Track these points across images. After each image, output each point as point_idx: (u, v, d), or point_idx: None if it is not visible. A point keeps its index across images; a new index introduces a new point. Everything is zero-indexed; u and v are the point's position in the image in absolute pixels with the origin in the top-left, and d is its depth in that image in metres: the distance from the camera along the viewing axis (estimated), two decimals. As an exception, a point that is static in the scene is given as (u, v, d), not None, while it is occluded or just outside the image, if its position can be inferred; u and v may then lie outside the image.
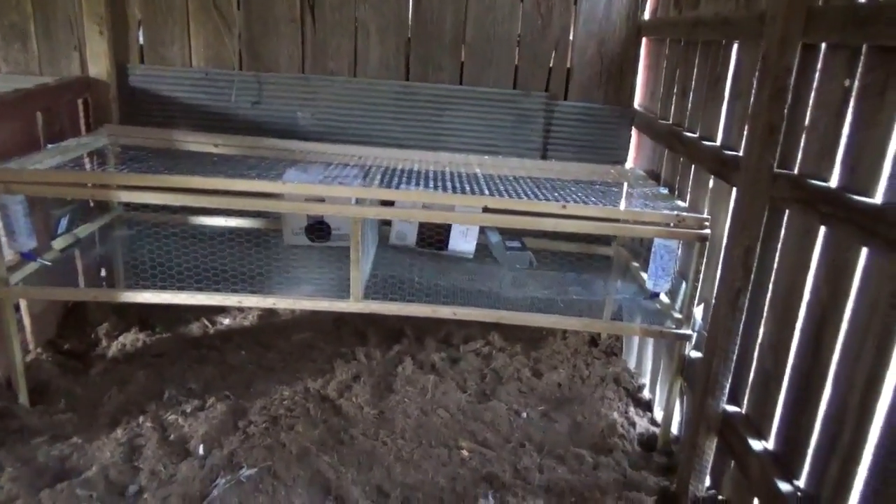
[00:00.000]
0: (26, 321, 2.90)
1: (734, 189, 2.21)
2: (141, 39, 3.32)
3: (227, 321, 3.39)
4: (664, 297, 2.58)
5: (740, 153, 2.19)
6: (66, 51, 3.29)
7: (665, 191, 2.74)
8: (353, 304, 2.47)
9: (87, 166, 2.89)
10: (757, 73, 2.01)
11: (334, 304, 2.49)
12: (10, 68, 3.32)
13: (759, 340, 2.01)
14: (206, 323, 3.34)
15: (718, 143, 2.41)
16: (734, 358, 2.06)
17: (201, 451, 2.36)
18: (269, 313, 3.45)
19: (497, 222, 2.44)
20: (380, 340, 3.24)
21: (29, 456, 2.28)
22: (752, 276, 1.98)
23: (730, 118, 2.33)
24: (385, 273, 2.88)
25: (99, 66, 3.23)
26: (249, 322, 3.40)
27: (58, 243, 2.66)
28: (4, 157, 2.52)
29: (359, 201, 2.46)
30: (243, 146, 3.08)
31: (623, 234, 2.38)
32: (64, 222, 2.63)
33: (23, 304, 2.81)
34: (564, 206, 2.33)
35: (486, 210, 2.43)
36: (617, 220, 2.38)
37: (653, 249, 2.39)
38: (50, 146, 2.70)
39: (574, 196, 2.54)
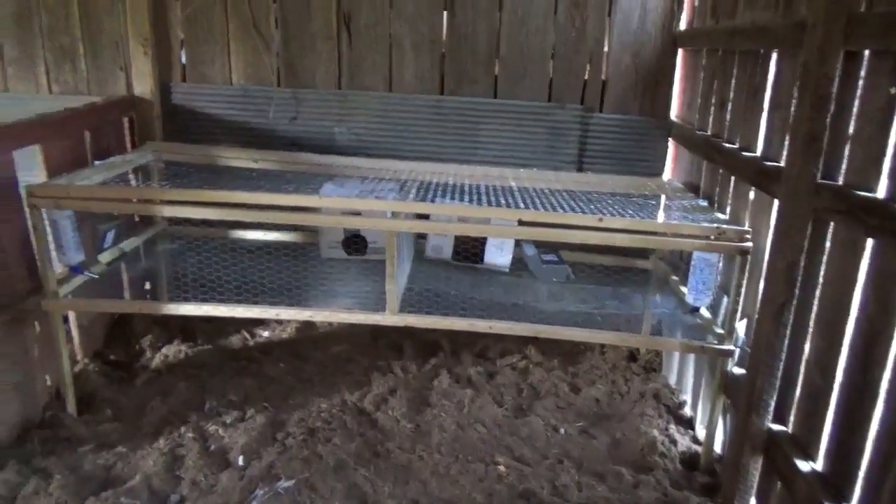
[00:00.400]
0: (75, 332, 2.99)
1: (776, 201, 2.17)
2: (183, 59, 3.42)
3: (266, 333, 3.44)
4: (705, 312, 2.53)
5: (781, 164, 2.15)
6: (113, 71, 3.41)
7: (704, 203, 2.69)
8: (389, 318, 2.48)
9: (133, 182, 2.98)
10: (797, 82, 1.97)
11: (370, 318, 2.51)
12: (61, 88, 3.45)
13: (804, 356, 1.95)
14: (246, 335, 3.39)
15: (758, 153, 2.36)
16: (779, 375, 2.00)
17: (241, 461, 2.39)
18: (306, 326, 3.49)
19: (533, 235, 2.43)
20: (416, 353, 3.25)
21: (76, 464, 2.34)
22: (797, 290, 1.93)
23: (770, 128, 2.28)
24: (421, 286, 2.89)
25: (143, 85, 3.34)
26: (288, 334, 3.44)
27: (104, 257, 2.74)
28: (55, 174, 2.62)
29: (394, 215, 2.48)
30: (281, 161, 3.14)
31: (661, 247, 2.35)
32: (110, 236, 2.71)
33: (71, 315, 2.90)
34: (601, 219, 2.31)
35: (521, 223, 2.42)
36: (655, 233, 2.34)
37: (692, 263, 2.35)
38: (97, 163, 2.79)
39: (611, 209, 2.52)
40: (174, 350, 3.19)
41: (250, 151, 3.18)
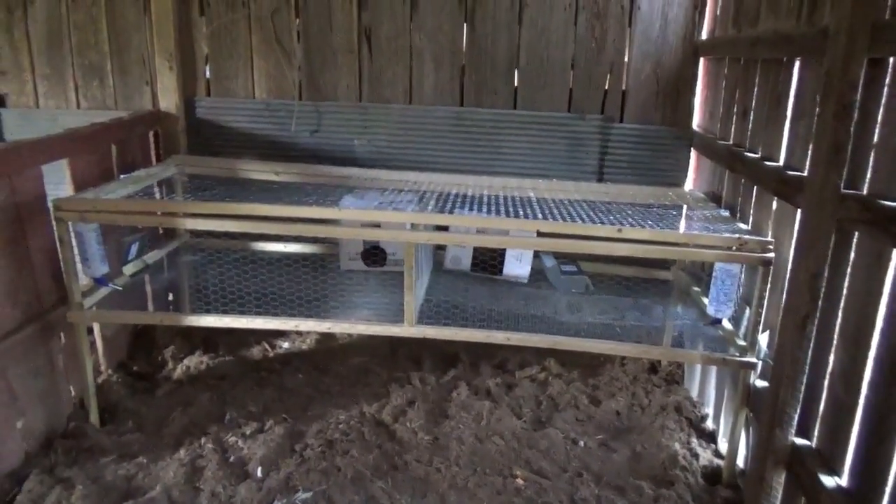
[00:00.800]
0: (99, 344, 3.04)
1: (799, 211, 2.13)
2: (208, 73, 3.48)
3: (286, 345, 3.46)
4: (727, 324, 2.49)
5: (804, 173, 2.12)
6: (139, 86, 3.48)
7: (726, 213, 2.66)
8: (407, 329, 2.48)
9: (157, 195, 3.03)
10: (821, 91, 1.94)
11: (388, 329, 2.52)
12: (89, 104, 3.53)
13: (829, 369, 1.91)
14: (267, 346, 3.42)
15: (781, 163, 2.33)
16: (802, 388, 1.96)
17: (259, 473, 2.40)
18: (326, 337, 3.50)
19: (552, 247, 2.41)
20: (435, 365, 3.24)
21: (98, 474, 2.37)
22: (820, 301, 1.89)
23: (793, 137, 2.25)
24: (439, 298, 2.89)
25: (168, 99, 3.40)
26: (307, 346, 3.46)
27: (128, 269, 2.79)
28: (82, 187, 2.68)
29: (413, 226, 2.48)
30: (302, 174, 3.17)
31: (682, 258, 2.31)
32: (134, 249, 2.76)
33: (96, 327, 2.95)
34: (620, 230, 2.29)
35: (540, 234, 2.41)
36: (675, 244, 2.32)
37: (714, 274, 2.31)
38: (122, 176, 2.85)
39: (631, 219, 2.49)
40: (196, 361, 3.23)
41: (272, 164, 3.21)
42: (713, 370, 2.84)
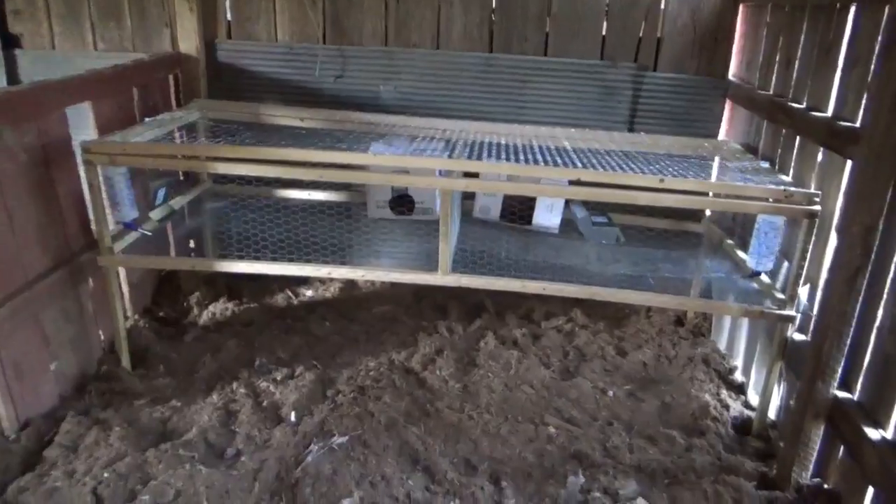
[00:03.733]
0: (125, 289, 3.02)
1: (849, 162, 2.09)
2: (229, 15, 3.37)
3: (309, 293, 3.46)
4: (764, 277, 2.46)
5: (857, 124, 2.06)
6: (158, 28, 3.38)
7: (766, 165, 2.60)
8: (442, 278, 2.46)
9: (182, 139, 2.97)
10: (880, 37, 1.87)
11: (422, 277, 2.49)
12: (106, 45, 3.43)
13: (877, 324, 1.89)
14: (290, 294, 3.41)
15: (829, 113, 2.26)
16: (848, 342, 1.94)
17: (293, 417, 2.41)
18: (350, 286, 3.49)
19: (590, 196, 2.36)
20: (461, 315, 3.24)
21: (133, 417, 2.38)
22: (873, 255, 1.86)
23: (844, 87, 2.18)
24: (470, 247, 2.86)
25: (189, 42, 3.30)
26: (331, 294, 3.45)
27: (156, 214, 2.75)
28: (105, 131, 2.62)
29: (446, 174, 2.44)
30: (329, 120, 3.10)
31: (725, 209, 2.26)
32: (161, 194, 2.72)
33: (121, 272, 2.93)
34: (662, 180, 2.25)
35: (576, 183, 2.35)
36: (719, 195, 2.27)
37: (756, 226, 2.27)
38: (147, 120, 2.79)
39: (669, 170, 2.44)
40: (221, 308, 3.22)
41: (297, 109, 3.14)
42: (744, 323, 2.84)
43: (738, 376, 2.82)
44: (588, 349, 3.00)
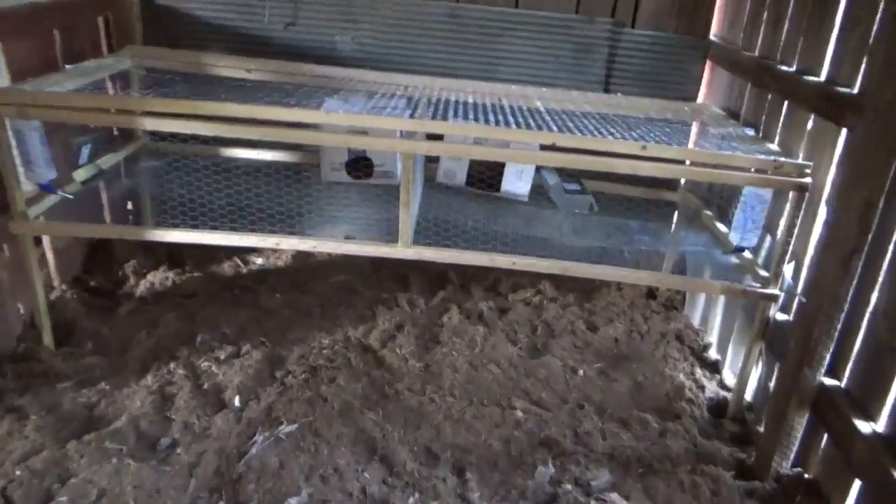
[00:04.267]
0: (50, 256, 2.73)
1: (843, 131, 1.93)
2: (166, -50, 3.01)
3: (260, 261, 3.20)
4: (746, 253, 2.31)
5: (854, 90, 1.90)
6: (85, -38, 2.99)
7: (751, 132, 2.43)
8: (402, 250, 2.24)
9: (111, 90, 2.65)
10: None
11: (381, 250, 2.27)
12: (24, -19, 3.04)
13: (870, 307, 1.75)
14: (239, 262, 3.15)
15: (823, 77, 2.09)
16: (839, 326, 1.81)
17: (237, 402, 2.20)
18: (304, 254, 3.24)
19: (565, 163, 2.16)
20: (423, 287, 3.03)
21: (54, 402, 2.13)
22: (871, 233, 1.71)
23: (841, 50, 2.01)
24: (433, 215, 2.64)
25: (121, -21, 2.94)
26: (284, 262, 3.20)
27: (79, 175, 2.44)
28: (19, 78, 2.30)
29: (407, 135, 2.20)
30: (279, 72, 2.80)
31: (710, 180, 2.08)
32: (86, 152, 2.41)
33: (45, 239, 2.63)
34: (644, 147, 2.05)
35: (550, 148, 2.14)
36: (704, 165, 2.09)
37: (742, 199, 2.11)
38: (68, 67, 2.46)
39: (650, 135, 2.25)
40: (160, 277, 2.95)
41: (243, 60, 2.84)
42: (719, 298, 2.70)
43: (713, 354, 2.70)
44: (557, 324, 2.84)
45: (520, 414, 2.27)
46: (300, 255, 3.24)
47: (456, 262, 2.30)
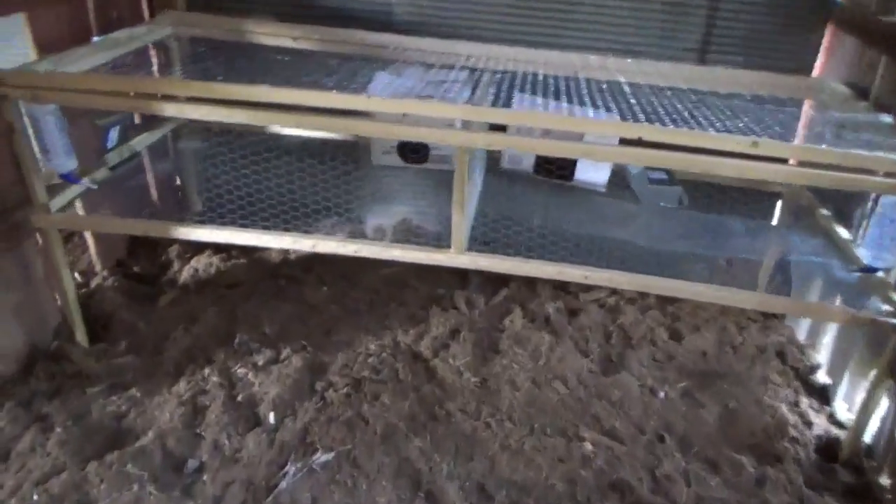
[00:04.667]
0: (90, 241, 2.59)
1: None
2: None
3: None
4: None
5: None
6: (124, -82, 2.75)
7: (888, 119, 1.97)
8: (455, 257, 1.94)
9: (139, 66, 2.41)
10: None
11: (431, 257, 1.96)
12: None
13: None
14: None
15: None
16: None
17: (272, 419, 1.99)
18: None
19: (651, 161, 1.79)
20: (483, 282, 2.72)
21: (82, 410, 1.99)
22: None
23: None
24: (495, 211, 2.32)
25: (163, -64, 2.68)
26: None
27: (110, 159, 2.24)
28: (48, 52, 2.09)
29: (465, 125, 1.87)
30: (327, 40, 2.52)
31: (838, 186, 1.63)
32: (114, 134, 2.20)
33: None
34: (756, 143, 1.65)
35: (632, 143, 1.77)
36: (829, 167, 1.68)
37: (879, 210, 1.69)
38: (95, 39, 2.24)
39: (759, 125, 1.84)
40: (205, 262, 2.77)
41: (289, 26, 2.55)
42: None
43: (822, 377, 2.29)
44: (635, 331, 2.50)
45: (588, 447, 1.97)
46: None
47: (516, 272, 1.99)
